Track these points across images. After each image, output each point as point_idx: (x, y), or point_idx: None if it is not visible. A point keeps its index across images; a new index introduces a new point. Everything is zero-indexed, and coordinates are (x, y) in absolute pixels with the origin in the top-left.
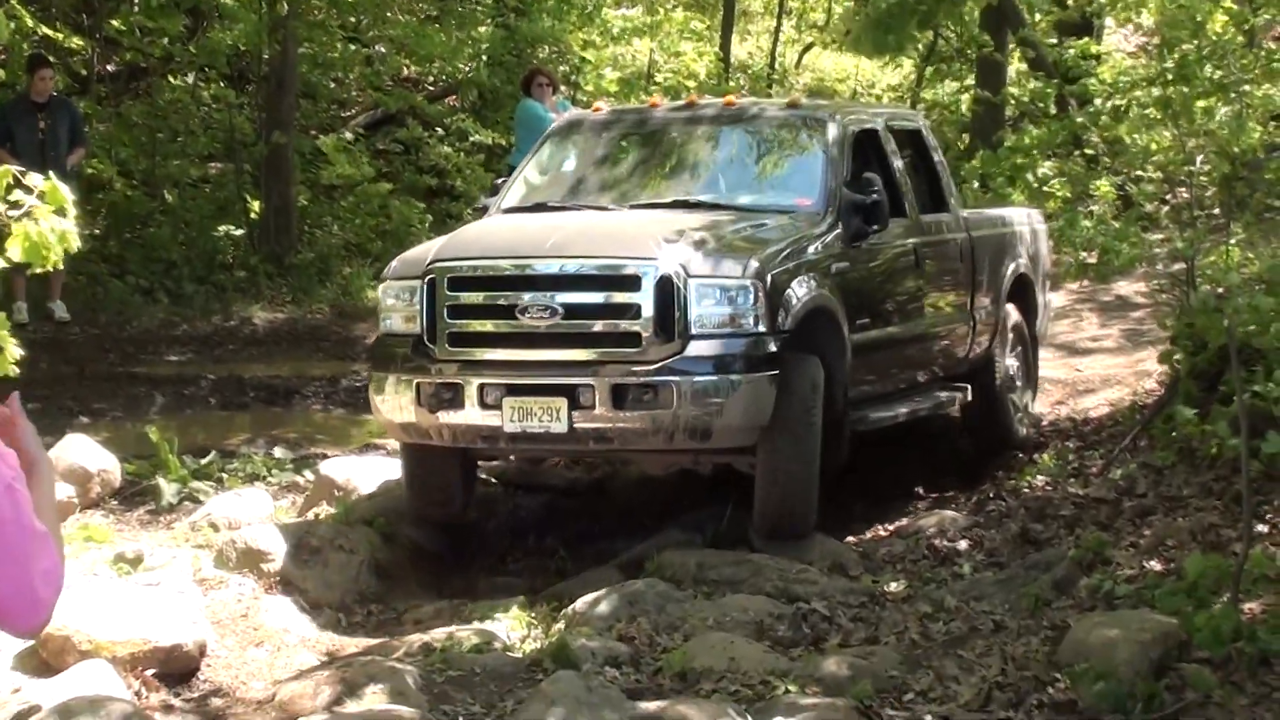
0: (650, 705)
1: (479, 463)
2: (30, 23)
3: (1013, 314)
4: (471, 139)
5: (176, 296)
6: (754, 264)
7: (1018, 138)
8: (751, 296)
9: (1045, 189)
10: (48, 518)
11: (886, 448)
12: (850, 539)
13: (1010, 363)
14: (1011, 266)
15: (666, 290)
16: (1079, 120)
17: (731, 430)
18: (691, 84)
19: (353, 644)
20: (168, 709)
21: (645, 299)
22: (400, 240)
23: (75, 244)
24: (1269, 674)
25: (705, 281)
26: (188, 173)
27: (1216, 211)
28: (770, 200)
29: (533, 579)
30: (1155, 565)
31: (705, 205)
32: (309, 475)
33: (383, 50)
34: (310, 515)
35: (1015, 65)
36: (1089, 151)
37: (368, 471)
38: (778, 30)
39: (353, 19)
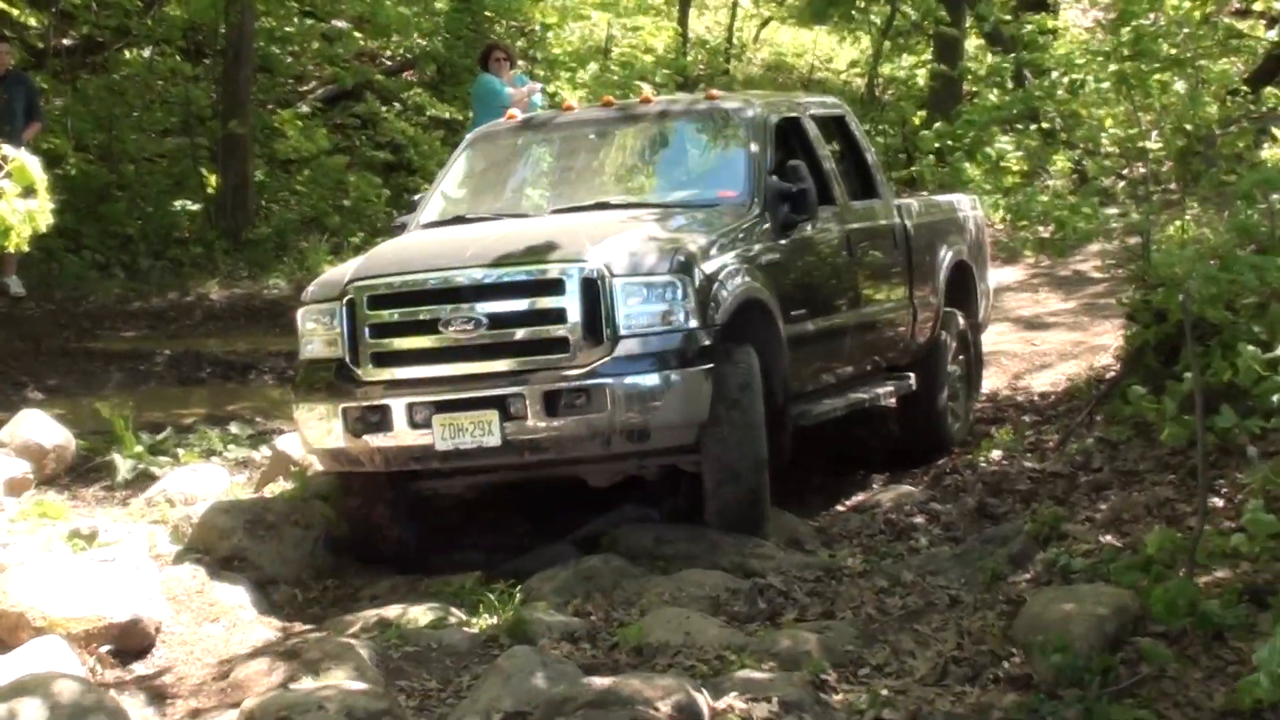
0: (606, 680)
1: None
2: None
3: (957, 318)
4: (429, 114)
5: (133, 271)
6: (680, 258)
7: (972, 108)
8: (679, 292)
9: (1002, 163)
10: None
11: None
12: (806, 514)
13: (951, 369)
14: (950, 253)
15: (592, 292)
16: (1035, 94)
17: (669, 429)
18: (649, 58)
19: (308, 620)
20: (122, 685)
21: (570, 302)
22: (358, 215)
23: (46, 222)
24: (1223, 648)
25: (631, 280)
26: (144, 147)
27: (1173, 186)
28: (694, 195)
29: (489, 555)
30: (1111, 540)
31: (627, 205)
32: (265, 451)
33: (340, 24)
34: (266, 491)
35: (972, 41)
36: (1045, 125)
37: None
38: (735, 5)
39: None
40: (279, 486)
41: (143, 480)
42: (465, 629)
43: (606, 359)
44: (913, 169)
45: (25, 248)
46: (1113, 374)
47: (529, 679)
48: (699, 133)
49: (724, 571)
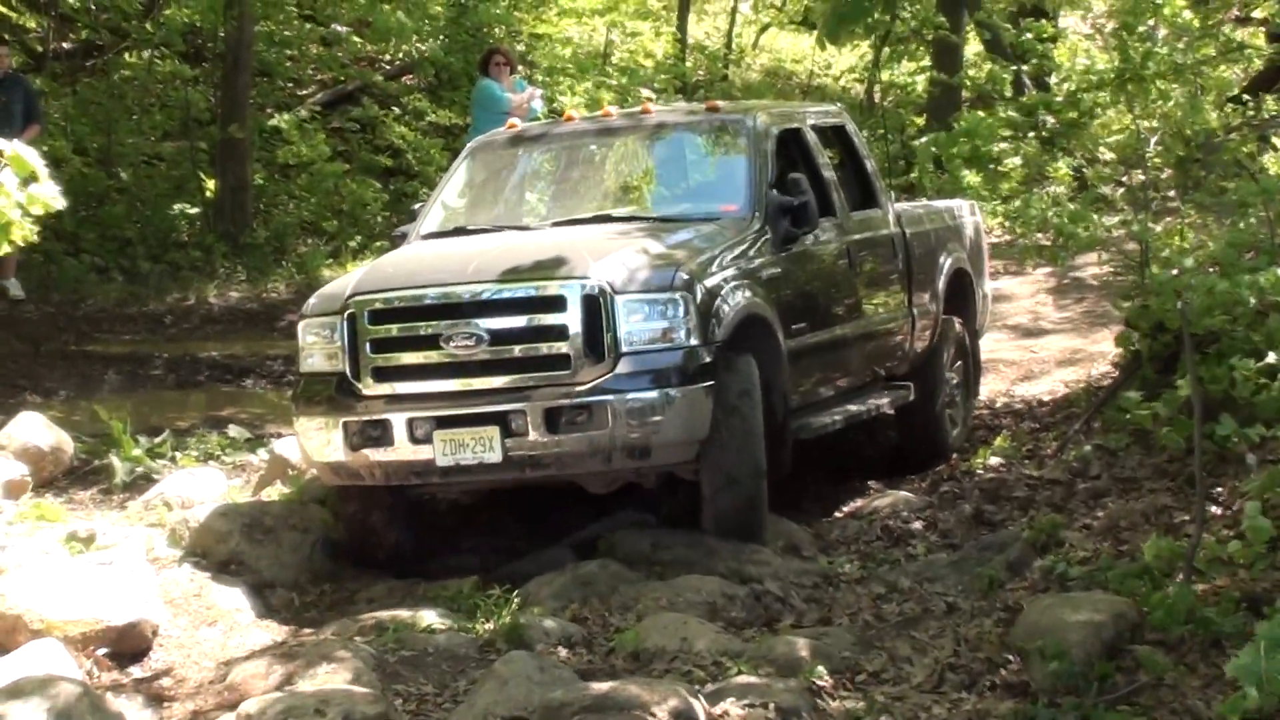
0: (603, 685)
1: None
2: None
3: (955, 325)
4: (428, 119)
5: (131, 275)
6: (682, 275)
7: (970, 119)
8: (681, 309)
9: (1000, 170)
10: None
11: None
12: (804, 521)
13: (949, 376)
14: (949, 260)
15: (593, 308)
16: (1035, 100)
17: (671, 446)
18: (649, 64)
19: (306, 623)
20: (119, 688)
21: (572, 319)
22: (356, 220)
23: (59, 205)
24: (1220, 655)
25: (632, 297)
26: (143, 151)
27: (1172, 194)
28: (695, 208)
29: (486, 559)
30: (1108, 547)
31: (628, 218)
32: (263, 454)
33: (339, 28)
34: (264, 495)
35: (972, 46)
36: (1044, 133)
37: None
38: (734, 10)
39: None
40: (277, 490)
41: (140, 483)
42: (462, 633)
43: (608, 376)
44: (911, 175)
45: (33, 239)
46: (1111, 381)
47: (526, 684)
48: (700, 145)
49: (721, 577)
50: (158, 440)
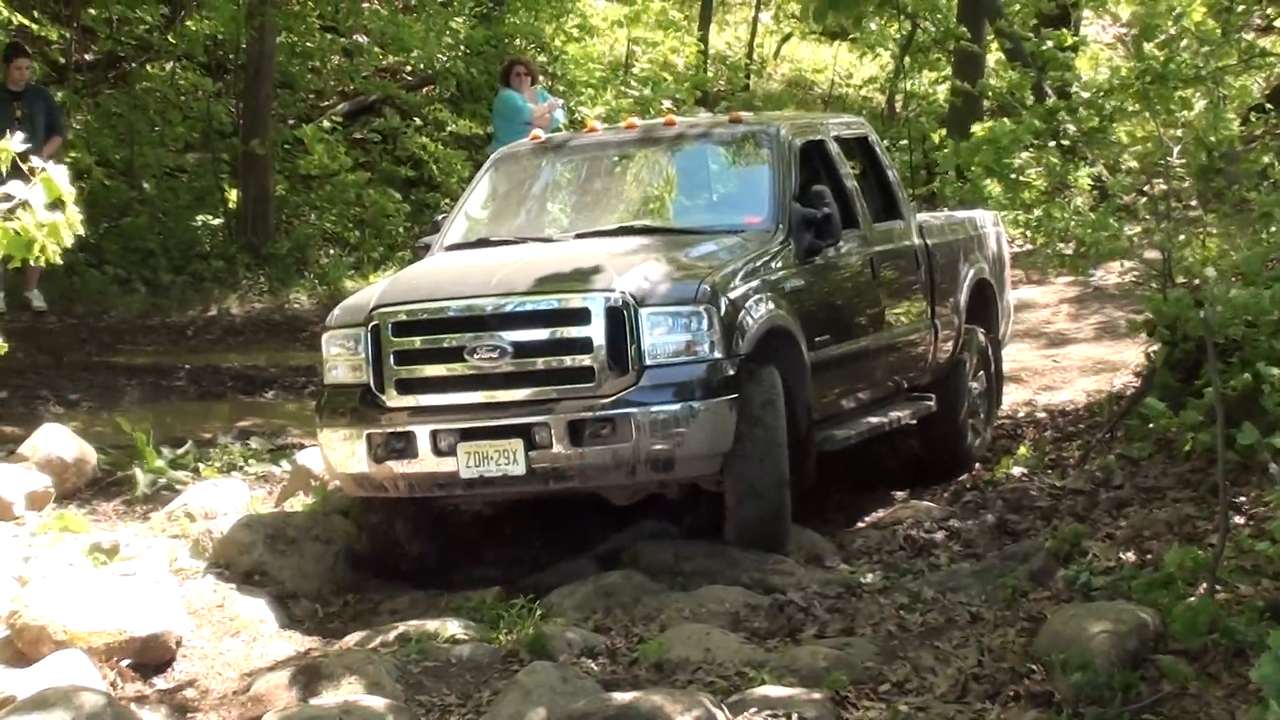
0: (626, 695)
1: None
2: (6, 12)
3: (978, 335)
4: (449, 129)
5: (154, 286)
6: (706, 288)
7: (996, 128)
8: (705, 322)
9: (1022, 179)
10: None
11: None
12: (827, 531)
13: (971, 386)
14: (971, 271)
15: (617, 321)
16: (1057, 105)
17: (694, 459)
18: (669, 75)
19: (329, 634)
20: (143, 699)
21: (596, 332)
22: (378, 230)
23: (76, 233)
24: (1244, 665)
25: (656, 310)
26: (165, 162)
27: (1194, 203)
28: (718, 220)
29: (509, 570)
30: (1131, 556)
31: (651, 230)
32: (285, 465)
33: (361, 40)
34: (287, 505)
35: (993, 55)
36: (1065, 142)
37: None
38: (755, 20)
39: (330, 8)
40: (299, 501)
41: (163, 495)
42: (485, 644)
43: (632, 388)
44: (933, 185)
45: (56, 260)
46: (1134, 390)
47: (549, 694)
48: (723, 156)
49: (744, 588)
50: (180, 451)
